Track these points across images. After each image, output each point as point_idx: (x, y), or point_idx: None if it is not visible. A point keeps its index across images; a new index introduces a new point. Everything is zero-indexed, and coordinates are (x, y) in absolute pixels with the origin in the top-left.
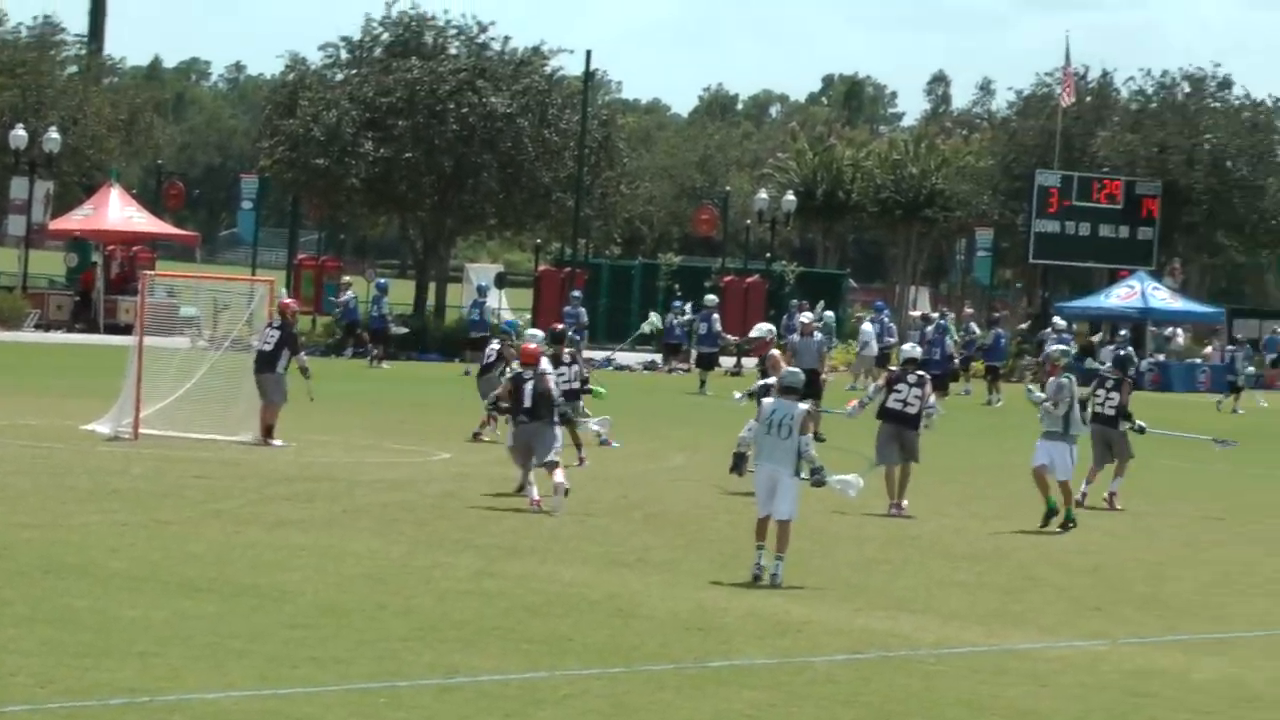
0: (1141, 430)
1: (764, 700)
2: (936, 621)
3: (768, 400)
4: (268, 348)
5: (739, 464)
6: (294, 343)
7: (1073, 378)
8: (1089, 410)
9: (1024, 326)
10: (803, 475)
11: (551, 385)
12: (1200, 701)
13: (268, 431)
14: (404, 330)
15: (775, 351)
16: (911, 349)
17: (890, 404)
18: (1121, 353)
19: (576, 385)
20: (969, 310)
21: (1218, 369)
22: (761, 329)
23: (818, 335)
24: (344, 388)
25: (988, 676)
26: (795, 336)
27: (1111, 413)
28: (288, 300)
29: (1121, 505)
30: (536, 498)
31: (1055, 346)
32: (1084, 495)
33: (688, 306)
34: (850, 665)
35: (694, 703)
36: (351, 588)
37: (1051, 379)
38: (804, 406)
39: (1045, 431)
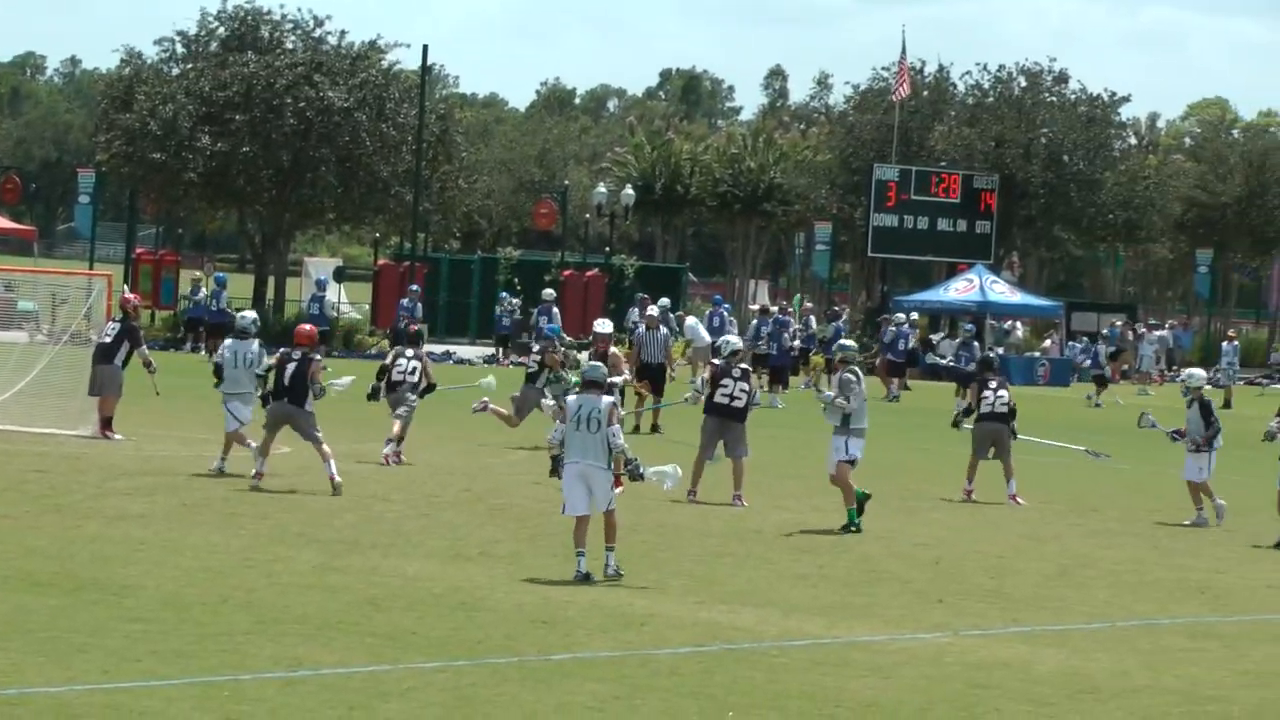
0: (1014, 434)
1: (608, 693)
2: (779, 614)
3: (572, 397)
4: (107, 339)
5: (557, 467)
6: (136, 337)
7: (860, 373)
8: (975, 410)
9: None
10: (619, 470)
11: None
12: (1042, 693)
13: (106, 424)
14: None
15: (615, 350)
16: (733, 341)
17: (717, 398)
18: (990, 354)
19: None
20: (808, 304)
21: (1057, 362)
22: (603, 325)
23: (662, 329)
24: (183, 381)
25: (831, 669)
26: (642, 329)
27: (1004, 410)
28: (129, 295)
29: (1024, 500)
30: (263, 471)
31: (842, 342)
32: (969, 493)
33: (515, 300)
34: (694, 658)
35: (538, 695)
36: (193, 581)
37: (838, 374)
38: (609, 400)
39: (837, 428)
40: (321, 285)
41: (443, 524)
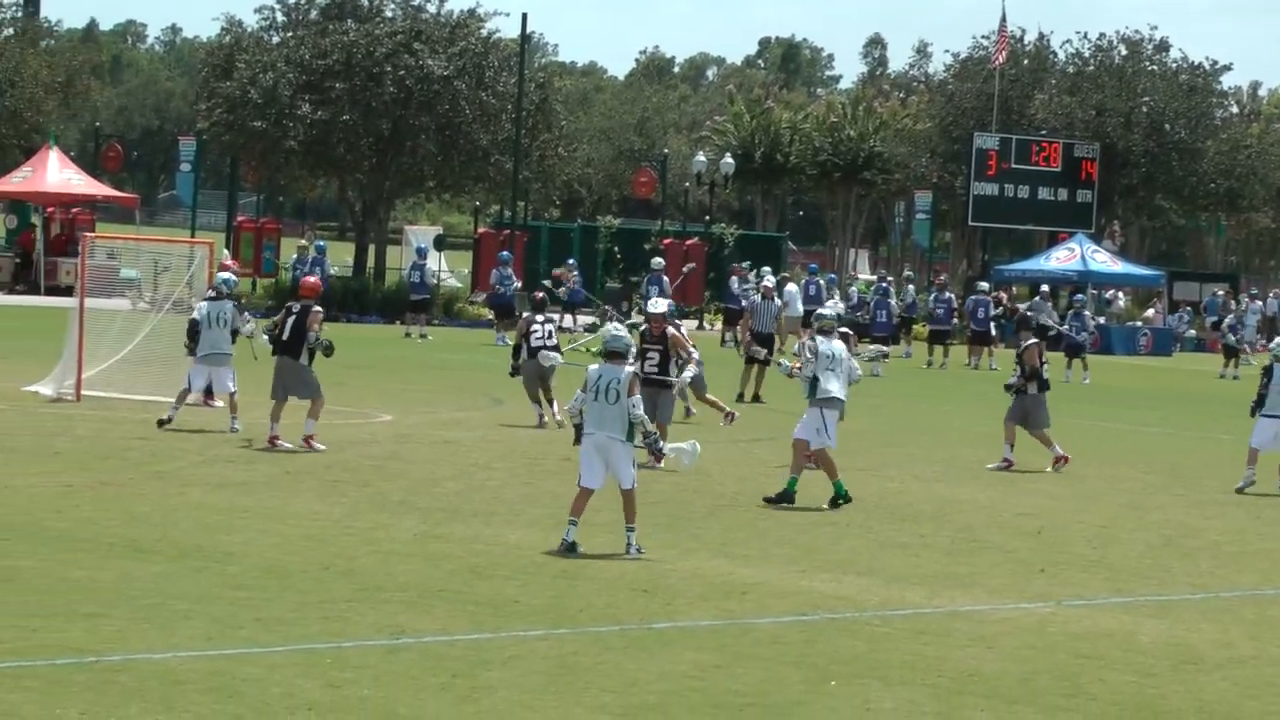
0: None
1: (709, 661)
2: (881, 583)
3: (593, 366)
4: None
5: (581, 435)
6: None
7: (829, 342)
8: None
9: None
10: (637, 442)
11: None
12: (1145, 663)
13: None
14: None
15: (672, 330)
16: (826, 313)
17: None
18: (1030, 314)
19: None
20: (908, 273)
21: (1159, 332)
22: (661, 305)
23: (776, 300)
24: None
25: (933, 638)
26: (757, 298)
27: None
28: (228, 261)
29: (1034, 467)
30: (276, 434)
31: (822, 310)
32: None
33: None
34: (796, 627)
35: (639, 664)
36: (295, 549)
37: (803, 340)
38: (630, 370)
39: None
40: (422, 253)
41: (544, 492)
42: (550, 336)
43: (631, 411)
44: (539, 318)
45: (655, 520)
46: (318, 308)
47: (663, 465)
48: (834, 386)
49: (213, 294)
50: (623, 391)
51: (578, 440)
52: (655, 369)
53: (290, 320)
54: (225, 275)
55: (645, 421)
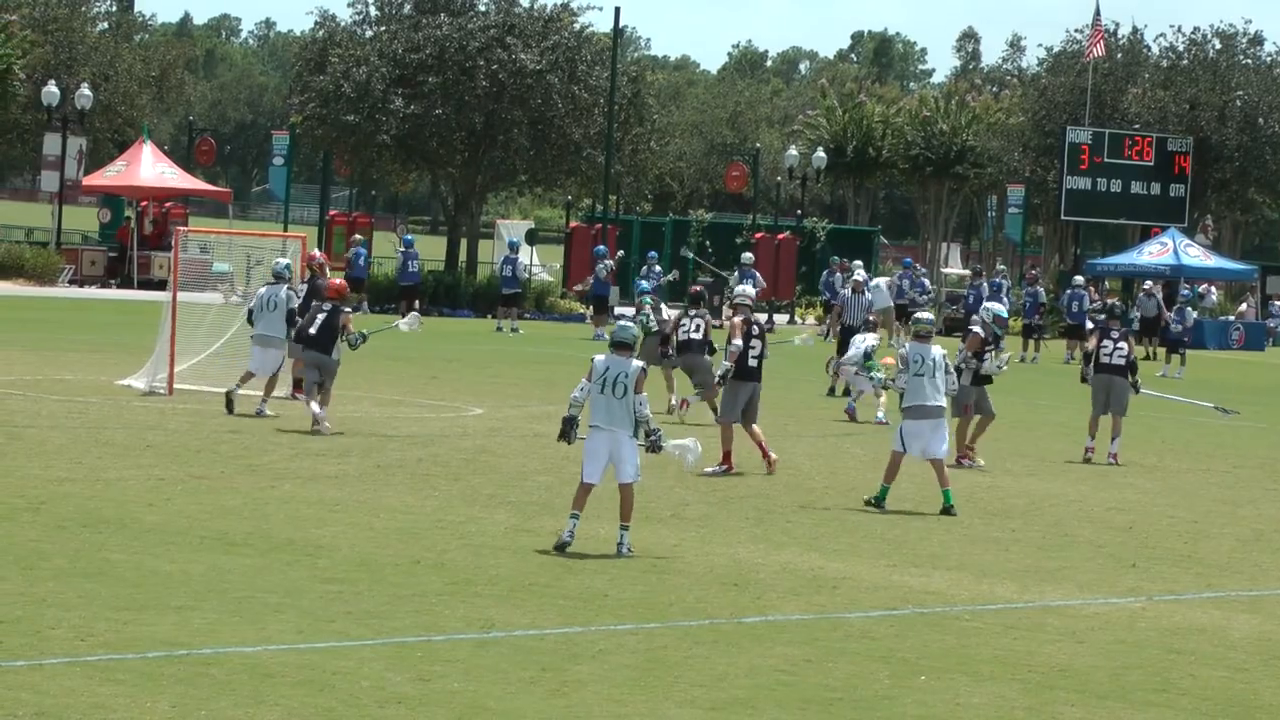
0: (1137, 389)
1: (799, 656)
2: (971, 578)
3: (599, 357)
4: (297, 303)
5: (568, 430)
6: (321, 296)
7: (925, 345)
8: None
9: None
10: (640, 441)
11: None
12: (1236, 658)
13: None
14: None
15: (737, 318)
16: (995, 308)
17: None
18: (1115, 303)
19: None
20: (1000, 267)
21: (1251, 326)
22: (745, 292)
23: (866, 295)
24: (375, 344)
25: (1023, 633)
26: (848, 293)
27: (1121, 361)
28: (316, 254)
29: (1123, 461)
30: (317, 411)
31: (921, 314)
32: (1090, 451)
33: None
34: (885, 621)
35: (729, 658)
36: (386, 542)
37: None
38: (638, 364)
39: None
40: (514, 247)
41: (634, 487)
42: (699, 330)
43: (638, 409)
44: (692, 311)
45: (745, 515)
46: (347, 308)
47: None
48: (928, 393)
49: (273, 279)
50: (630, 386)
51: (562, 437)
52: (756, 360)
53: (320, 317)
54: (285, 261)
55: (650, 420)
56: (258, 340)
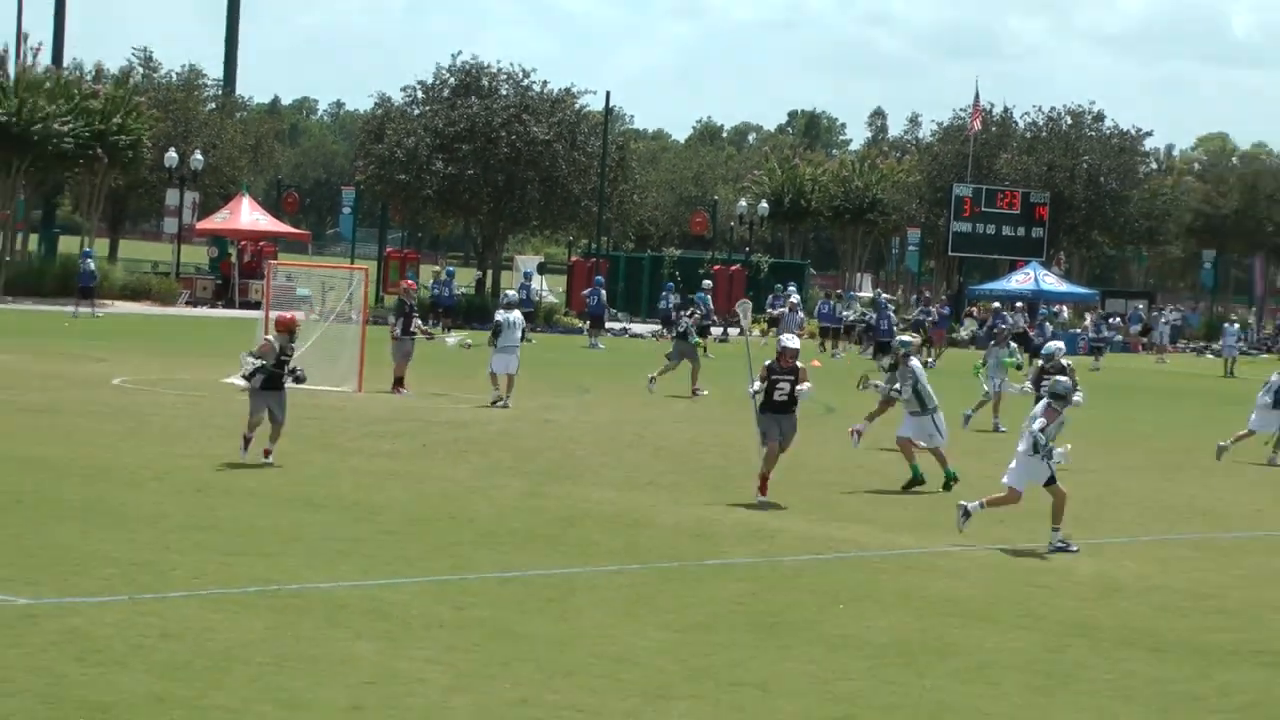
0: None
1: (746, 590)
2: (879, 530)
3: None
4: (397, 320)
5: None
6: (410, 313)
7: (911, 362)
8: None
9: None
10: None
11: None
12: (1081, 591)
13: (398, 383)
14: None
15: (800, 364)
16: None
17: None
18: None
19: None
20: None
21: (1093, 337)
22: (791, 341)
23: (799, 313)
24: (422, 349)
25: (918, 572)
26: (785, 310)
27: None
28: (408, 282)
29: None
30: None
31: (904, 337)
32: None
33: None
34: (812, 563)
35: (693, 591)
36: (430, 503)
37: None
38: (806, 386)
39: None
40: (528, 276)
41: (621, 461)
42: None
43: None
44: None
45: (706, 483)
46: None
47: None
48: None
49: (506, 304)
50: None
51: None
52: (786, 397)
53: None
54: (512, 293)
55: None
56: (502, 350)
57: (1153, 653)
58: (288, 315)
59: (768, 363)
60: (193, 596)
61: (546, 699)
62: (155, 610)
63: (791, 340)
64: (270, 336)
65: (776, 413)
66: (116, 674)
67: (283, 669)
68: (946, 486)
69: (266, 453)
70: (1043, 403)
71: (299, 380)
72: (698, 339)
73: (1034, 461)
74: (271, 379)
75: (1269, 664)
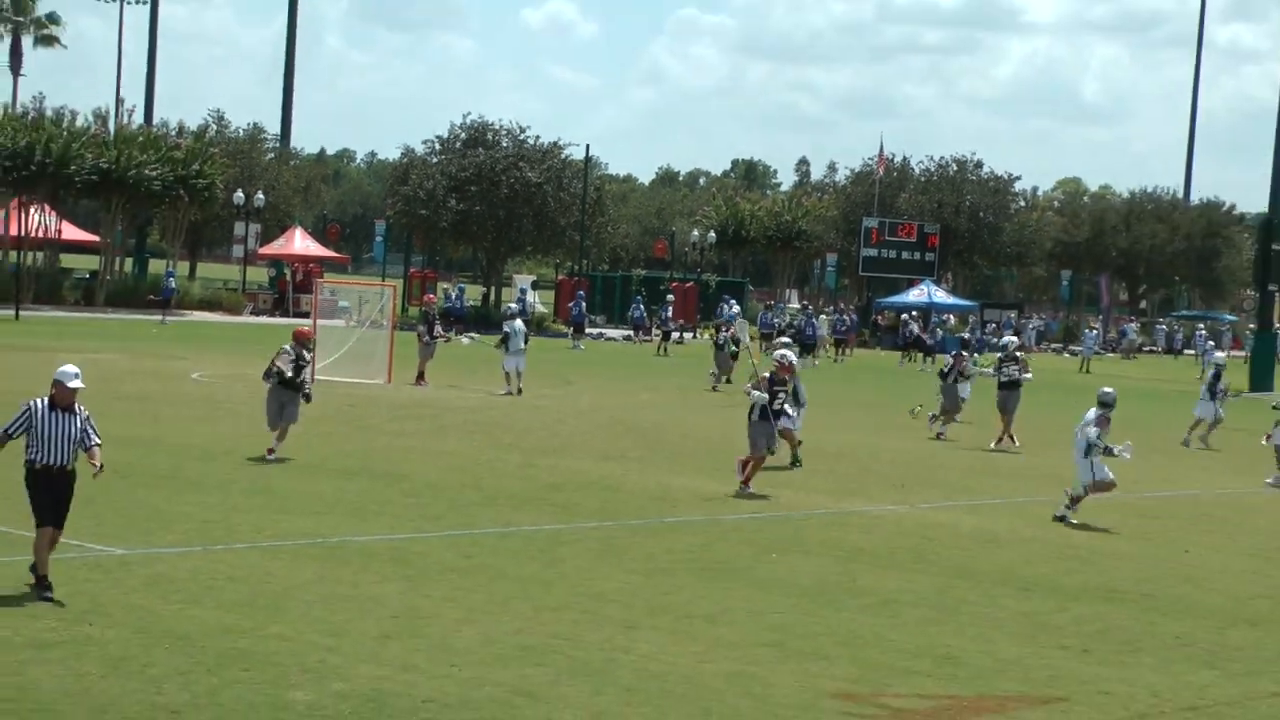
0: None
1: (698, 542)
2: (804, 494)
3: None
4: (423, 327)
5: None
6: (432, 321)
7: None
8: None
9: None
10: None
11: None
12: (964, 543)
13: (420, 377)
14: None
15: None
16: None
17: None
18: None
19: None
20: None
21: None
22: (786, 353)
23: (738, 321)
24: (439, 351)
25: (836, 527)
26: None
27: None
28: (430, 296)
29: (902, 424)
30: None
31: (781, 352)
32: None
33: (640, 308)
34: (751, 520)
35: (656, 543)
36: (444, 472)
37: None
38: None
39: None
40: (524, 292)
41: (597, 438)
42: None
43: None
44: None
45: (667, 456)
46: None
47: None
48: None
49: (509, 316)
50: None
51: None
52: (780, 405)
53: (304, 366)
54: (516, 307)
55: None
56: (512, 352)
57: (1021, 591)
58: (305, 328)
59: (767, 374)
60: (254, 548)
61: (537, 629)
62: (224, 559)
63: (789, 354)
64: (288, 346)
65: (767, 420)
66: (193, 609)
67: (327, 605)
68: (794, 464)
69: (270, 451)
70: (1094, 411)
71: (307, 399)
72: (732, 347)
73: (1089, 462)
74: (286, 380)
75: (1113, 599)
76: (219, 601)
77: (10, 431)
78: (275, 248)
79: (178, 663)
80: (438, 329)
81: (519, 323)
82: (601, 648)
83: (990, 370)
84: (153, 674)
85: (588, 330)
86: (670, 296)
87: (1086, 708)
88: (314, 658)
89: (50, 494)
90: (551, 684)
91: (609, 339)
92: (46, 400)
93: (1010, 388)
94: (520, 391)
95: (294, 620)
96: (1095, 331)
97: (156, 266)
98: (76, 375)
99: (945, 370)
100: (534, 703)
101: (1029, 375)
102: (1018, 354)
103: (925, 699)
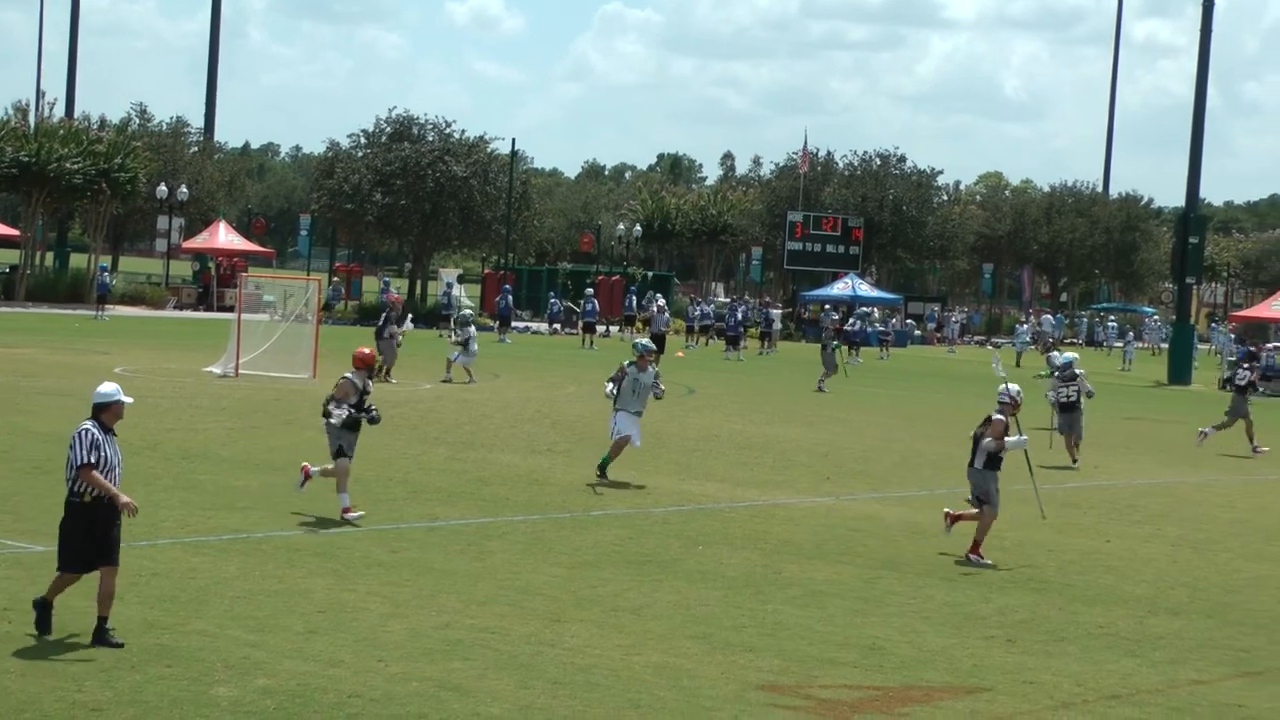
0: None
1: (624, 535)
2: (730, 486)
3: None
4: (380, 324)
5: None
6: (391, 319)
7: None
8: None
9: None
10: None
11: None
12: (891, 534)
13: (386, 373)
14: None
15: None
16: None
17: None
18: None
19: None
20: (746, 297)
21: (898, 333)
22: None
23: (665, 313)
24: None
25: (762, 520)
26: (655, 311)
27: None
28: (394, 295)
29: (825, 418)
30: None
31: (640, 342)
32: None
33: (562, 301)
34: (676, 513)
35: (582, 536)
36: (370, 466)
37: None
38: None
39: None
40: (450, 285)
41: (524, 432)
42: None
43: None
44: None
45: (592, 449)
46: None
47: None
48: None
49: (466, 322)
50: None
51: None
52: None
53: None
54: (469, 312)
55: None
56: (470, 353)
57: (946, 581)
58: (367, 351)
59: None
60: (178, 543)
61: (465, 623)
62: (148, 555)
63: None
64: (350, 374)
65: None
66: (116, 606)
67: (251, 601)
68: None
69: (345, 511)
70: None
71: (373, 421)
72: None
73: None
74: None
75: (1037, 590)
76: (141, 597)
77: (96, 464)
78: (199, 242)
79: (99, 659)
80: (392, 328)
81: (472, 328)
82: (529, 641)
83: (1050, 395)
84: (73, 671)
85: (514, 324)
86: (589, 290)
87: (1011, 697)
88: (238, 653)
89: (105, 526)
90: (479, 677)
91: (535, 333)
92: (96, 424)
93: (1069, 409)
94: (451, 381)
95: (218, 616)
96: (1025, 326)
97: (78, 260)
98: (120, 390)
99: (825, 342)
100: (461, 696)
101: (1091, 389)
102: (1077, 371)
103: (852, 689)
